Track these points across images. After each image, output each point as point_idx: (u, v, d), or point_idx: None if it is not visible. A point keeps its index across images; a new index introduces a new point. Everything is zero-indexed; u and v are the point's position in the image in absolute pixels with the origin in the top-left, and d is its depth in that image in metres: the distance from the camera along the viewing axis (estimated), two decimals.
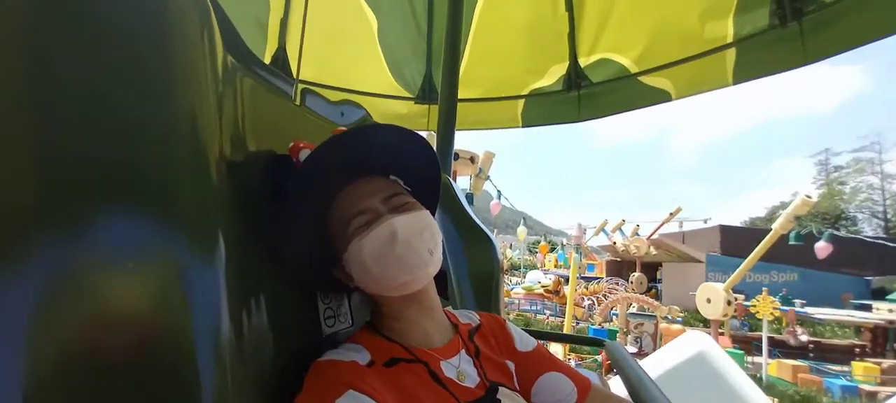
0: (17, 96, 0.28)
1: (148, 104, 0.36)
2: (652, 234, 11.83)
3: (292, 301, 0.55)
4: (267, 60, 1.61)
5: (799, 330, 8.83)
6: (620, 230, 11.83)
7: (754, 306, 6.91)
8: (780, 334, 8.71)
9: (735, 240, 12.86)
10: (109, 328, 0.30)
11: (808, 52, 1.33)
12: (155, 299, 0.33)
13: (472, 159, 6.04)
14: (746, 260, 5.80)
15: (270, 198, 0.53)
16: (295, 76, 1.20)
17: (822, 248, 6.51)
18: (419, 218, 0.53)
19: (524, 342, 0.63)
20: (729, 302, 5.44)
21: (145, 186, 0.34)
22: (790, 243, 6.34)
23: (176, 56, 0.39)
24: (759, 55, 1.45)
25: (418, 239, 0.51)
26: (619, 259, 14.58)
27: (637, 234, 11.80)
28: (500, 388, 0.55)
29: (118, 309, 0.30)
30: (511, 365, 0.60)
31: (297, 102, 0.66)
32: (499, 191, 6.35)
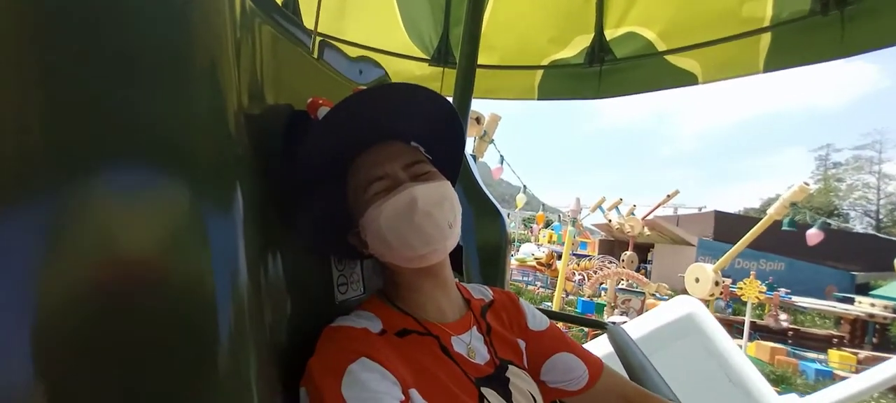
0: (27, 39, 0.26)
1: (164, 48, 0.34)
2: (647, 215, 11.86)
3: (307, 264, 0.54)
4: None
5: (781, 314, 9.02)
6: (617, 208, 11.89)
7: (741, 289, 7.04)
8: (762, 320, 8.91)
9: (728, 226, 13.00)
10: (123, 267, 0.29)
11: (847, 43, 1.26)
12: (172, 242, 0.32)
13: (478, 120, 5.92)
14: (739, 242, 5.84)
15: (286, 155, 0.51)
16: (312, 29, 1.15)
17: (813, 235, 6.53)
18: (440, 189, 0.51)
19: (537, 321, 0.63)
20: (716, 283, 5.53)
21: (160, 131, 0.33)
22: (784, 228, 6.36)
23: None
24: (794, 42, 1.37)
25: (438, 209, 0.49)
26: (612, 238, 14.76)
27: (633, 214, 11.83)
28: (510, 366, 0.55)
29: (132, 250, 0.30)
30: (522, 344, 0.60)
31: (315, 55, 0.63)
32: (502, 155, 6.26)
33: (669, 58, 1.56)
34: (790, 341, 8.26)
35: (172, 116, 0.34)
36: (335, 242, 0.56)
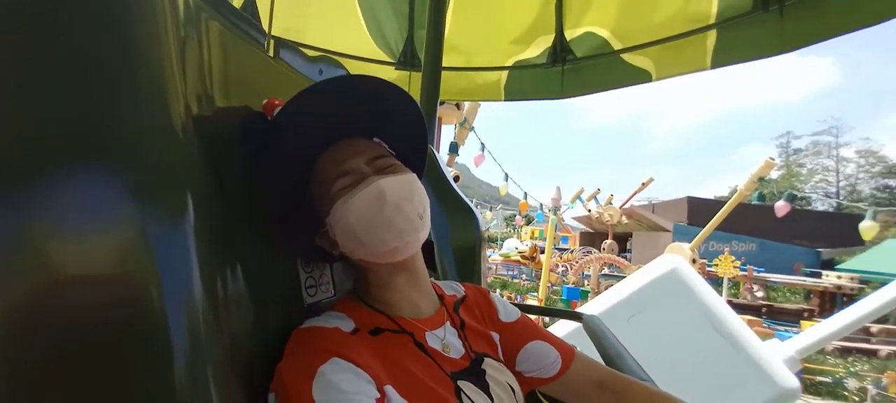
0: None
1: (95, 48, 0.32)
2: (625, 203, 12.36)
3: (271, 268, 0.51)
4: None
5: (756, 289, 9.51)
6: (595, 198, 12.30)
7: (716, 265, 7.36)
8: (737, 298, 9.41)
9: (701, 211, 13.66)
10: (63, 293, 0.27)
11: (786, 39, 1.35)
12: (115, 261, 0.30)
13: (458, 105, 5.92)
14: (714, 219, 6.14)
15: (244, 158, 0.48)
16: (266, 31, 1.11)
17: (781, 207, 6.92)
18: (407, 181, 0.50)
19: (508, 313, 0.63)
20: (693, 261, 5.80)
21: (96, 138, 0.31)
22: (753, 201, 6.71)
23: None
24: (737, 39, 1.46)
25: (407, 201, 0.48)
26: (592, 230, 15.28)
27: (610, 203, 12.24)
28: (485, 359, 0.54)
29: (70, 265, 0.28)
30: (496, 337, 0.60)
31: (271, 55, 0.60)
32: (483, 143, 6.27)
33: (625, 56, 1.62)
34: (765, 316, 8.71)
35: (109, 122, 0.31)
36: (302, 243, 0.54)
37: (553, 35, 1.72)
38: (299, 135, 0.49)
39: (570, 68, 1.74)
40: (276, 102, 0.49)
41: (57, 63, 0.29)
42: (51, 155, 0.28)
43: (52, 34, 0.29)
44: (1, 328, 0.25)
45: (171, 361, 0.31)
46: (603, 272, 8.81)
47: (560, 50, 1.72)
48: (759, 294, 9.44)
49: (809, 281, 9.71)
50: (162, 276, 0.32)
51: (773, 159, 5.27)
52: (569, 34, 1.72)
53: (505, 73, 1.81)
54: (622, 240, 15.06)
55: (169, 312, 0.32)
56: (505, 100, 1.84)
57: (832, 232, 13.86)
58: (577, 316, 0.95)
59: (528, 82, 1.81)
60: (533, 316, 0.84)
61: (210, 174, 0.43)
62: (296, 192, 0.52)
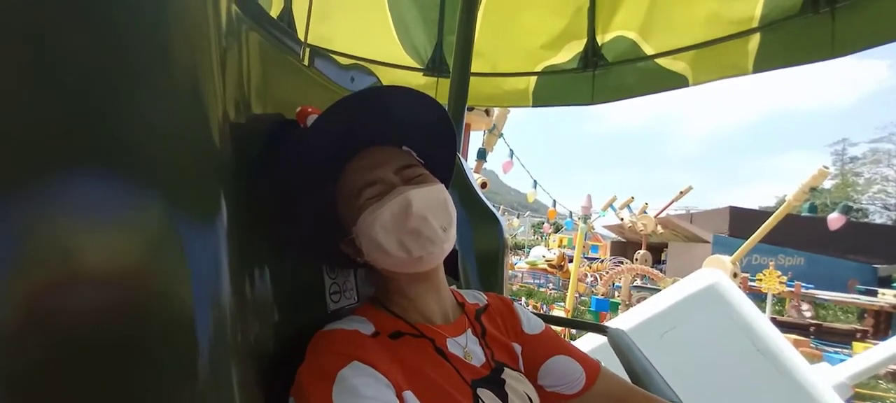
0: None
1: (142, 53, 0.33)
2: (660, 213, 11.81)
3: (297, 274, 0.53)
4: None
5: (804, 306, 8.84)
6: (628, 207, 11.82)
7: (760, 280, 6.89)
8: (783, 316, 8.74)
9: (744, 222, 12.78)
10: (90, 286, 0.27)
11: (837, 43, 1.27)
12: (145, 259, 0.31)
13: (487, 112, 5.88)
14: (758, 231, 5.71)
15: (275, 164, 0.50)
16: (302, 38, 1.15)
17: (834, 220, 6.31)
18: (435, 192, 0.50)
19: (532, 324, 0.62)
20: (734, 275, 5.46)
21: (136, 140, 0.32)
22: (803, 213, 6.18)
23: (174, 2, 0.36)
24: (783, 43, 1.38)
25: (434, 213, 0.49)
26: (624, 239, 14.67)
27: (645, 212, 11.73)
28: (506, 369, 0.54)
29: (101, 266, 0.28)
30: (517, 348, 0.59)
31: (306, 64, 0.62)
32: (512, 149, 6.20)
33: (660, 61, 1.57)
34: (813, 336, 8.07)
35: (149, 125, 0.33)
36: (327, 250, 0.55)
37: (585, 40, 1.69)
38: (329, 142, 0.50)
39: (601, 73, 1.70)
40: (309, 110, 0.51)
41: (98, 62, 0.30)
42: (85, 152, 0.28)
43: (98, 33, 0.30)
44: (20, 324, 0.24)
45: (196, 361, 0.32)
46: (635, 283, 8.37)
47: (592, 55, 1.69)
48: (808, 312, 8.73)
49: (863, 299, 8.88)
50: (192, 276, 0.33)
51: (826, 168, 4.85)
52: (600, 39, 1.68)
53: (533, 79, 1.80)
54: (657, 251, 14.33)
55: (197, 311, 0.33)
56: (533, 106, 1.82)
57: (890, 247, 12.63)
58: (602, 329, 0.93)
59: (557, 88, 1.78)
60: (557, 328, 0.83)
61: (243, 178, 0.44)
62: (324, 199, 0.53)
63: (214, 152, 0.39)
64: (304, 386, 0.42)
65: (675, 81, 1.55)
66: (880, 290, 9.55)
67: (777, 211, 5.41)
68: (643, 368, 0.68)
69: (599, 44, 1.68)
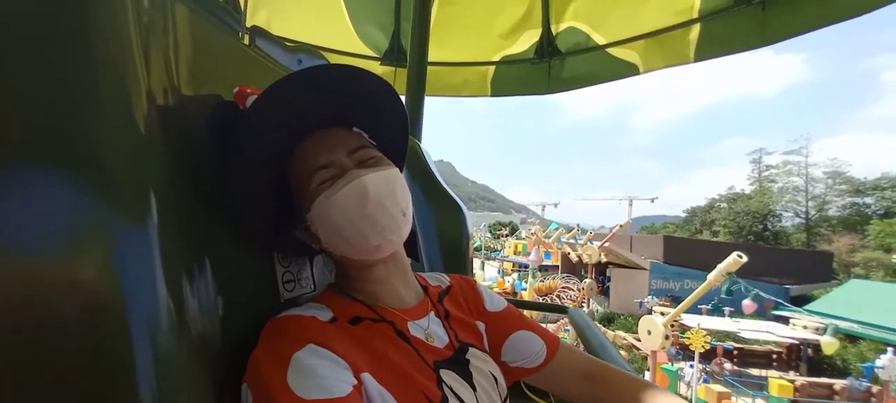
0: None
1: (39, 31, 0.29)
2: (603, 243, 12.96)
3: (245, 263, 0.50)
4: None
5: (724, 361, 10.07)
6: (575, 238, 13.39)
7: (688, 339, 7.74)
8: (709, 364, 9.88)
9: (676, 249, 14.67)
10: (10, 299, 0.25)
11: (769, 32, 1.37)
12: (69, 265, 0.28)
13: None
14: (682, 304, 6.46)
15: (215, 150, 0.46)
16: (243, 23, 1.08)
17: (748, 305, 7.86)
18: (389, 177, 0.49)
19: (494, 302, 0.62)
20: (667, 337, 6.11)
21: (42, 130, 0.28)
22: (722, 296, 6.93)
23: None
24: (720, 33, 1.48)
25: (390, 198, 0.47)
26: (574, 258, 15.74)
27: (591, 242, 13.00)
28: (470, 349, 0.54)
29: (20, 278, 0.26)
30: (481, 326, 0.59)
31: (246, 43, 0.58)
32: None
33: (612, 50, 1.63)
34: (736, 359, 9.45)
35: (58, 112, 0.29)
36: (279, 238, 0.52)
37: (540, 30, 1.72)
38: (275, 124, 0.47)
39: (557, 63, 1.74)
40: (248, 91, 0.47)
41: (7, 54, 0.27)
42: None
43: None
44: None
45: (131, 363, 0.30)
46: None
47: (547, 45, 1.72)
48: (728, 368, 10.02)
49: (776, 333, 10.21)
50: (121, 278, 0.30)
51: (741, 256, 5.47)
52: (555, 29, 1.72)
53: (491, 69, 1.81)
54: (602, 269, 15.60)
55: (129, 310, 0.30)
56: (491, 96, 1.83)
57: (799, 268, 14.58)
58: (562, 310, 0.95)
59: (514, 77, 1.80)
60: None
61: (178, 168, 0.41)
62: (272, 185, 0.50)
63: (137, 138, 0.36)
64: (258, 371, 0.40)
65: (627, 70, 1.62)
66: (792, 315, 11.03)
67: (698, 289, 6.14)
68: (600, 342, 0.71)
69: (554, 34, 1.72)
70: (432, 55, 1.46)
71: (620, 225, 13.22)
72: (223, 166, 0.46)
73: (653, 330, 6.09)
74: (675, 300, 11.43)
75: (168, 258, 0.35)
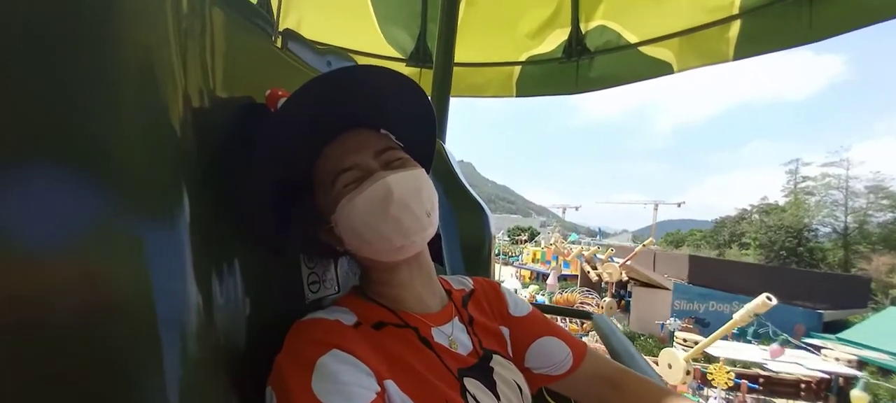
0: None
1: (88, 34, 0.30)
2: (625, 263, 12.65)
3: (272, 265, 0.51)
4: None
5: (749, 394, 9.49)
6: (595, 255, 13.15)
7: (711, 374, 7.31)
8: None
9: (702, 269, 13.89)
10: (41, 295, 0.26)
11: (815, 28, 1.29)
12: (98, 262, 0.29)
13: None
14: (709, 337, 6.17)
15: (246, 151, 0.47)
16: (276, 27, 1.11)
17: (775, 351, 7.39)
18: (415, 177, 0.48)
19: (519, 307, 0.61)
20: (687, 372, 5.82)
21: (83, 141, 0.29)
22: (747, 339, 6.43)
23: None
24: (763, 29, 1.40)
25: (415, 199, 0.46)
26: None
27: (611, 259, 12.67)
28: (494, 356, 0.53)
29: (51, 274, 0.26)
30: (505, 331, 0.58)
31: (278, 46, 0.60)
32: None
33: (644, 49, 1.57)
34: (762, 386, 8.76)
35: (95, 113, 0.30)
36: (306, 240, 0.53)
37: (569, 29, 1.68)
38: (302, 126, 0.48)
39: (585, 62, 1.70)
40: (280, 93, 0.49)
41: (42, 47, 0.28)
42: (28, 143, 0.26)
43: (42, 17, 0.28)
44: None
45: (160, 362, 0.31)
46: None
47: (576, 44, 1.68)
48: (751, 399, 9.36)
49: (805, 366, 9.38)
50: (150, 276, 0.31)
51: (770, 299, 5.14)
52: (584, 27, 1.68)
53: (517, 69, 1.78)
54: (622, 284, 15.02)
55: (159, 310, 0.31)
56: (516, 96, 1.81)
57: (833, 292, 13.49)
58: (586, 315, 0.93)
59: (541, 77, 1.77)
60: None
61: (210, 169, 0.42)
62: (299, 186, 0.51)
63: (174, 140, 0.37)
64: (282, 375, 0.40)
65: (660, 69, 1.56)
66: (824, 344, 10.05)
67: (725, 326, 5.83)
68: (625, 349, 0.68)
69: (583, 33, 1.67)
70: (458, 56, 1.45)
71: (643, 244, 12.90)
72: (251, 167, 0.47)
73: (674, 364, 5.86)
74: (699, 322, 10.94)
75: (198, 257, 0.36)
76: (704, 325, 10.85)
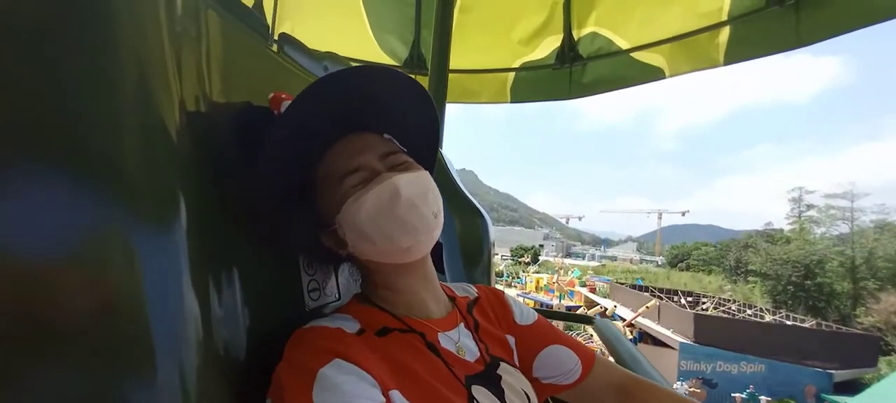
0: None
1: (80, 33, 0.30)
2: (629, 322, 12.82)
3: (270, 272, 0.49)
4: None
5: None
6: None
7: None
8: None
9: (708, 328, 13.47)
10: (33, 298, 0.25)
11: (802, 33, 1.32)
12: (91, 268, 0.28)
13: None
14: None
15: (247, 156, 0.46)
16: (271, 33, 1.11)
17: None
18: (422, 178, 0.48)
19: (525, 315, 0.60)
20: None
21: (78, 147, 0.28)
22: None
23: None
24: (752, 35, 1.43)
25: (422, 199, 0.46)
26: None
27: (614, 316, 12.89)
28: (501, 364, 0.52)
29: (44, 277, 0.26)
30: (511, 340, 0.57)
31: (275, 50, 0.59)
32: None
33: (636, 54, 1.59)
34: None
35: (94, 119, 0.29)
36: (306, 243, 0.52)
37: (561, 36, 1.70)
38: (305, 128, 0.47)
39: (578, 68, 1.72)
40: (283, 96, 0.48)
41: (32, 46, 0.27)
42: (16, 144, 0.26)
43: (15, 32, 0.27)
44: None
45: (154, 372, 0.29)
46: None
47: (568, 50, 1.70)
48: None
49: None
50: (145, 282, 0.30)
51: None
52: (577, 34, 1.70)
53: (511, 75, 1.80)
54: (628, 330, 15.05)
55: (152, 319, 0.30)
56: (511, 102, 1.82)
57: (845, 350, 13.21)
58: (588, 320, 0.92)
59: (534, 84, 1.79)
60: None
61: (208, 174, 0.41)
62: (301, 189, 0.50)
63: (171, 145, 0.36)
64: (282, 386, 0.38)
65: (652, 74, 1.58)
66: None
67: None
68: (631, 354, 0.68)
69: (576, 39, 1.69)
70: (452, 62, 1.46)
71: (647, 307, 13.08)
72: (253, 170, 0.46)
73: None
74: (706, 383, 10.77)
75: (196, 264, 0.35)
76: (712, 386, 10.74)
